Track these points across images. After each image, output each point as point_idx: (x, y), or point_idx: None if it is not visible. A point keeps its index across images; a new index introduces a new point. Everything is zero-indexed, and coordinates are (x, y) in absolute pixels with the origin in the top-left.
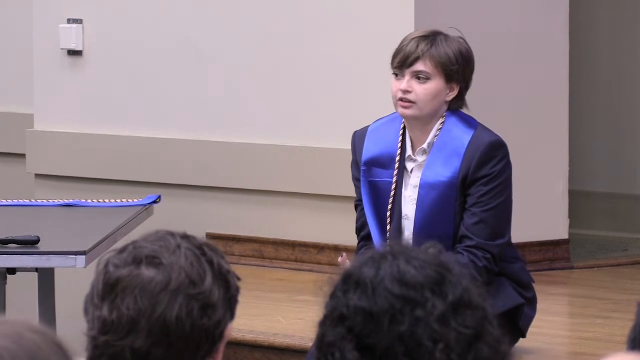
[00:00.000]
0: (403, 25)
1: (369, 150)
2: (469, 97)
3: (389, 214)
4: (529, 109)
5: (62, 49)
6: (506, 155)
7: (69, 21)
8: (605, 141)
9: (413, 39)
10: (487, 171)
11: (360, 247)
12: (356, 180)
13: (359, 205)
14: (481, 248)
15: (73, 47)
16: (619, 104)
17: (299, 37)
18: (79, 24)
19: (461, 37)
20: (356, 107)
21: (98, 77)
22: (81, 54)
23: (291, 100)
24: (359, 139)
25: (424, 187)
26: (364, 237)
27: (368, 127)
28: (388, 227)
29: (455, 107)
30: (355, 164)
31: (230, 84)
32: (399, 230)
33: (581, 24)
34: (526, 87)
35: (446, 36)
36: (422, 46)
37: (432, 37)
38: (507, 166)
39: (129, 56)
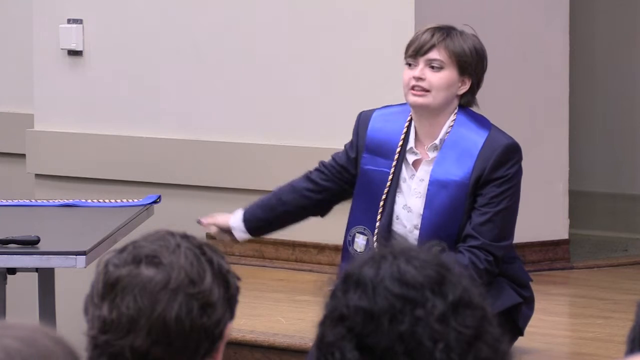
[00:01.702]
0: (403, 26)
1: (372, 136)
2: None
3: (381, 203)
4: (529, 109)
5: (62, 49)
6: (520, 158)
7: (69, 21)
8: (605, 141)
9: (428, 29)
10: (502, 173)
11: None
12: (345, 148)
13: (334, 159)
14: (484, 249)
15: (73, 47)
16: (619, 104)
17: (299, 37)
18: (79, 24)
19: (475, 35)
20: (357, 107)
21: (98, 77)
22: (81, 54)
23: (291, 100)
24: (364, 120)
25: (434, 184)
26: (310, 179)
27: (374, 110)
28: (379, 217)
29: (466, 102)
30: (356, 146)
31: (230, 84)
32: (389, 220)
33: (581, 24)
34: (526, 87)
35: (461, 32)
36: (437, 36)
37: (447, 30)
38: (520, 170)
39: (129, 56)
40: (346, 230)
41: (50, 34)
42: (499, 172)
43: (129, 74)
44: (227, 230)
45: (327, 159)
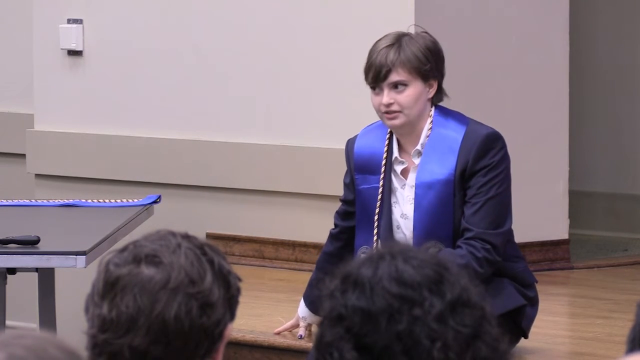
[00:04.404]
0: (403, 26)
1: (358, 157)
2: (470, 95)
3: (376, 217)
4: (529, 109)
5: (62, 49)
6: (503, 146)
7: (69, 21)
8: (605, 141)
9: (380, 50)
10: (485, 162)
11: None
12: (345, 184)
13: (343, 202)
14: (480, 238)
15: (73, 47)
16: (619, 104)
17: (299, 37)
18: (79, 24)
19: (425, 32)
20: (357, 107)
21: (98, 77)
22: (81, 54)
23: (291, 100)
24: (350, 147)
25: (420, 187)
26: (334, 235)
27: (358, 135)
28: (375, 231)
29: (437, 100)
30: (349, 171)
31: (230, 84)
32: (389, 232)
33: (581, 24)
34: (526, 87)
35: (410, 36)
36: (391, 56)
37: (398, 44)
38: (505, 157)
39: (129, 56)
40: (354, 254)
41: (50, 34)
42: (482, 162)
43: (129, 74)
44: (304, 324)
45: (326, 159)
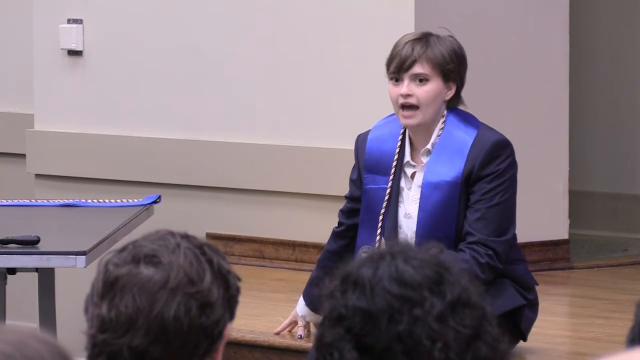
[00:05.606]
0: (403, 26)
1: (369, 156)
2: (470, 96)
3: (380, 218)
4: (529, 109)
5: (62, 49)
6: (511, 154)
7: (69, 21)
8: (605, 141)
9: (407, 42)
10: (491, 169)
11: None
12: (351, 180)
13: (348, 199)
14: (483, 244)
15: (73, 47)
16: (619, 104)
17: (300, 37)
18: (79, 24)
19: (451, 36)
20: (357, 107)
21: (98, 77)
22: (81, 54)
23: (291, 100)
24: (361, 143)
25: (426, 187)
26: (338, 233)
27: (369, 131)
28: (378, 231)
29: (453, 105)
30: (358, 168)
31: (230, 84)
32: (393, 232)
33: (581, 24)
34: (526, 87)
35: (438, 36)
36: (418, 48)
37: (425, 39)
38: (512, 164)
39: (129, 56)
40: (355, 252)
41: (50, 34)
42: (488, 168)
43: (129, 74)
44: (303, 323)
45: (327, 159)
